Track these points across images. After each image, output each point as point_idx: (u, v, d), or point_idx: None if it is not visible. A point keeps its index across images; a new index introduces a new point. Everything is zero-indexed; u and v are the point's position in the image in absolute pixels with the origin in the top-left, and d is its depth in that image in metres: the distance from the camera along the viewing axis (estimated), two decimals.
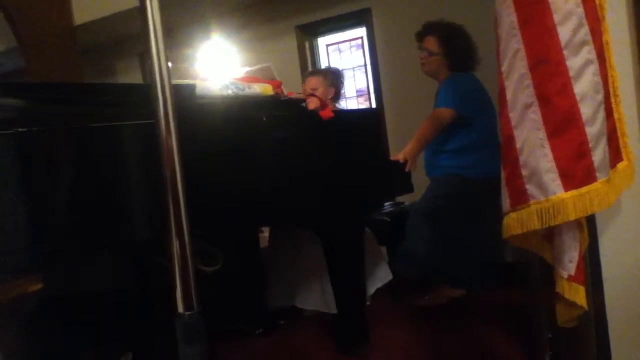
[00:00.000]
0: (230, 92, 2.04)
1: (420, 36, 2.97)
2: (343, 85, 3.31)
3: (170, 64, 0.85)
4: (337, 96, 3.26)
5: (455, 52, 2.87)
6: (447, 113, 2.75)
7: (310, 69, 4.87)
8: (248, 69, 2.52)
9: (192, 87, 1.91)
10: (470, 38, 2.90)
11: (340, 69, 3.56)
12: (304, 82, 3.32)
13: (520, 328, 2.22)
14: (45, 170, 1.52)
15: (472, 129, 2.79)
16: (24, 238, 1.46)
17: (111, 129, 1.63)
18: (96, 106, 1.74)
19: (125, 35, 4.97)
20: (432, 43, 2.89)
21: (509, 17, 1.32)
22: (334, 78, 3.23)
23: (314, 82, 3.18)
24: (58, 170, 1.55)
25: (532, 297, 1.76)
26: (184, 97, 1.85)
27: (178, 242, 0.80)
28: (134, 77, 5.35)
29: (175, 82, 1.89)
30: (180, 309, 0.80)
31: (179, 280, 0.79)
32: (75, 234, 1.55)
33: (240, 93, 2.07)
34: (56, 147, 1.55)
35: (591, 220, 1.47)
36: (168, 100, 0.82)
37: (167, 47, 0.86)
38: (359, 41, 4.90)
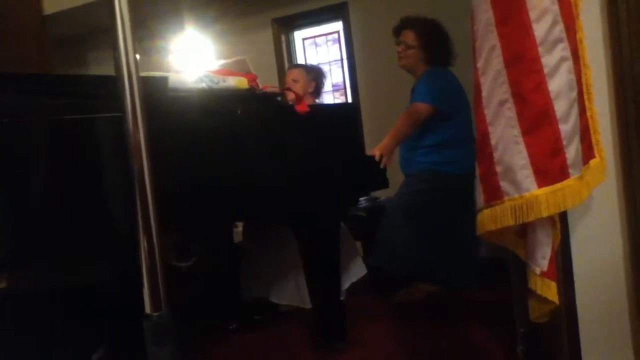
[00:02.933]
0: (204, 85, 2.01)
1: (398, 30, 2.97)
2: (324, 83, 3.37)
3: (138, 56, 0.82)
4: (317, 91, 3.29)
5: (433, 45, 2.87)
6: (424, 108, 2.75)
7: (286, 62, 4.86)
8: (223, 61, 2.48)
9: (164, 80, 1.87)
10: (447, 33, 2.91)
11: (317, 63, 3.60)
12: (286, 73, 3.35)
13: (500, 324, 2.23)
14: (17, 163, 1.48)
15: (449, 124, 2.80)
16: None
17: (84, 121, 1.58)
18: (68, 97, 1.69)
19: (97, 26, 4.86)
20: (409, 36, 2.89)
21: (485, 14, 1.32)
22: (316, 74, 3.28)
23: (295, 73, 3.22)
24: (30, 163, 1.50)
25: (510, 293, 1.77)
26: (156, 89, 1.81)
27: (145, 239, 0.77)
28: (106, 69, 5.24)
29: (147, 74, 1.86)
30: (148, 309, 0.77)
31: (146, 280, 0.77)
32: (48, 229, 1.51)
33: (214, 86, 2.04)
34: (27, 139, 1.50)
35: (563, 216, 1.48)
36: (135, 93, 0.80)
37: (139, 39, 0.83)
38: (335, 35, 4.89)
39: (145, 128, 0.80)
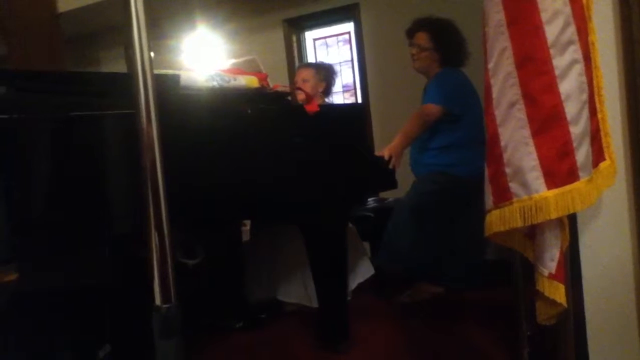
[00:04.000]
0: (215, 83, 2.02)
1: (411, 32, 2.96)
2: (334, 82, 3.35)
3: (152, 54, 0.84)
4: (327, 91, 3.29)
5: (447, 46, 2.86)
6: (434, 109, 2.75)
7: (297, 62, 4.87)
8: (233, 60, 2.50)
9: (176, 78, 1.88)
10: (459, 32, 2.90)
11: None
12: (296, 73, 3.35)
13: (503, 325, 2.23)
14: (26, 158, 1.49)
15: (459, 126, 2.80)
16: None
17: (95, 117, 1.60)
18: (80, 94, 1.71)
19: (109, 25, 4.91)
20: (423, 38, 2.89)
21: (496, 15, 1.32)
22: (326, 73, 3.26)
23: (305, 73, 3.21)
24: (39, 158, 1.52)
25: (514, 295, 1.76)
26: (168, 87, 1.82)
27: (157, 234, 0.78)
28: (118, 67, 5.28)
29: (159, 71, 1.88)
30: (158, 302, 0.79)
31: (157, 273, 0.78)
32: (54, 226, 1.52)
33: (225, 85, 2.05)
34: (37, 135, 1.52)
35: (572, 219, 1.48)
36: (149, 90, 0.81)
37: (152, 38, 0.84)
38: (346, 36, 4.89)
39: (157, 125, 0.81)
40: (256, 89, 2.17)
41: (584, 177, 1.30)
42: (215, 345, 2.53)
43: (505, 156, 1.33)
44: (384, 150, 2.59)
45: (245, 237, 3.09)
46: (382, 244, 2.85)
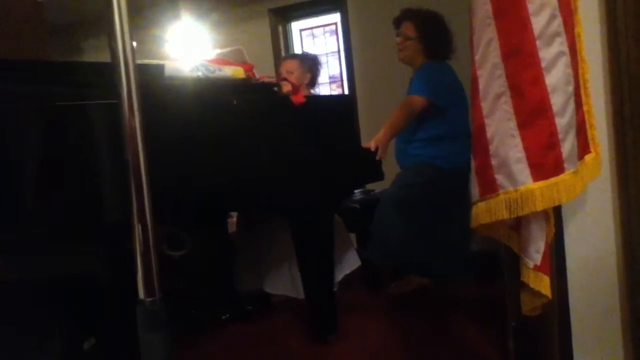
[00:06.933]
0: (200, 73, 2.00)
1: (398, 21, 2.96)
2: (319, 72, 3.32)
3: (135, 43, 0.82)
4: (313, 82, 3.26)
5: (432, 38, 2.86)
6: (419, 101, 2.75)
7: (283, 53, 4.84)
8: (219, 51, 2.47)
9: (160, 68, 1.86)
10: (446, 26, 2.90)
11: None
12: (280, 64, 3.32)
13: (491, 317, 2.24)
14: (9, 149, 1.47)
15: (444, 118, 2.80)
16: None
17: (80, 107, 1.58)
18: (64, 84, 1.68)
19: (92, 14, 4.85)
20: (409, 28, 2.89)
21: (483, 6, 1.31)
22: (311, 64, 3.23)
23: (290, 65, 3.18)
24: (23, 149, 1.50)
25: (501, 286, 1.77)
26: (153, 77, 1.80)
27: (140, 226, 0.77)
28: (101, 57, 5.20)
29: (143, 61, 1.85)
30: (141, 295, 0.78)
31: (140, 266, 0.77)
32: (39, 217, 1.51)
33: (210, 75, 2.03)
34: (21, 125, 1.50)
35: (557, 211, 1.49)
36: (132, 81, 0.79)
37: (135, 27, 0.83)
38: (333, 27, 4.87)
39: (140, 116, 0.80)
40: (242, 79, 2.15)
41: (569, 169, 1.30)
42: (202, 337, 2.52)
43: (492, 148, 1.34)
44: (370, 142, 2.59)
45: (231, 229, 3.07)
46: (369, 237, 2.84)
